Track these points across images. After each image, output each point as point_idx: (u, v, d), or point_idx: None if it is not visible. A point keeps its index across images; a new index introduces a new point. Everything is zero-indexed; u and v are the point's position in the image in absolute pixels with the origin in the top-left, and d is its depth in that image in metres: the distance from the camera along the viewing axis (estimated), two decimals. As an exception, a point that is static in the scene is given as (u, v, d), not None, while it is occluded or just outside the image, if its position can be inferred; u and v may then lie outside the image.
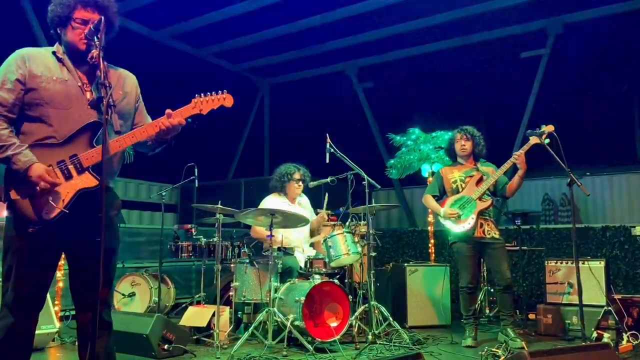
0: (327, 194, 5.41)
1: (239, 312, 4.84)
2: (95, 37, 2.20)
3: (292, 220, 4.63)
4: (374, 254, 4.82)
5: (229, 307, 4.72)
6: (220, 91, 2.46)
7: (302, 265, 4.91)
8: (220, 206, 4.50)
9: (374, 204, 4.91)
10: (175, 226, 5.98)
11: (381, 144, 10.70)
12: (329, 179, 5.22)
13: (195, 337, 4.57)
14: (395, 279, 5.69)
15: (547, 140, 4.16)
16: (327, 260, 4.69)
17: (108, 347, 2.40)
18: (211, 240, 5.18)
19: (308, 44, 10.28)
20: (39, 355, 4.10)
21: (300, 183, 5.25)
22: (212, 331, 4.42)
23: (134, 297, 5.42)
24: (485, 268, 5.80)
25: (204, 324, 4.54)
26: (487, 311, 5.84)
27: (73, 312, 4.94)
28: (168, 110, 2.38)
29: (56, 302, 4.73)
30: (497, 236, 4.56)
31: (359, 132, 11.25)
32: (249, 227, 5.44)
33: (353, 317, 4.53)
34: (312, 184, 5.37)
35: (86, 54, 2.30)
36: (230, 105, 2.49)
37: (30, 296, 2.28)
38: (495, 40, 9.63)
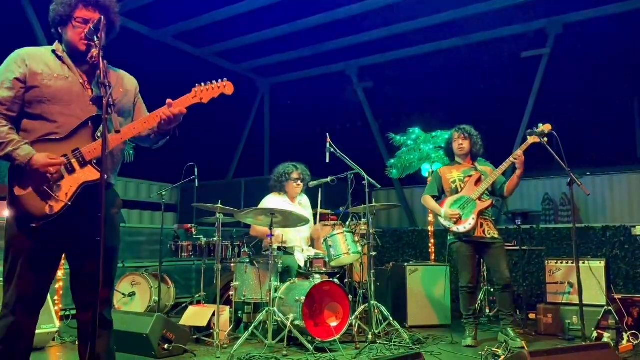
0: (320, 200, 5.41)
1: (239, 312, 4.84)
2: (95, 37, 2.20)
3: (292, 220, 4.63)
4: (374, 253, 4.82)
5: (229, 306, 4.71)
6: (220, 79, 2.45)
7: (302, 264, 4.91)
8: (221, 206, 4.50)
9: (374, 204, 4.91)
10: (176, 226, 5.98)
11: (381, 144, 10.70)
12: (329, 179, 5.22)
13: (195, 336, 4.57)
14: (396, 279, 5.69)
15: (545, 139, 4.17)
16: (327, 259, 4.69)
17: (109, 346, 2.40)
18: (211, 239, 5.18)
19: (308, 44, 10.29)
20: (39, 355, 4.10)
21: (299, 182, 5.23)
22: (212, 331, 4.42)
23: (134, 297, 5.42)
24: (485, 268, 5.80)
25: (204, 323, 4.54)
26: (487, 311, 5.84)
27: (73, 312, 4.96)
28: (169, 100, 2.39)
29: (56, 302, 4.74)
30: (496, 236, 4.56)
31: (359, 131, 11.25)
32: (249, 226, 5.44)
33: (353, 317, 4.52)
34: (312, 183, 5.36)
35: (86, 54, 2.31)
36: (231, 92, 2.47)
37: (32, 295, 2.28)
38: (496, 40, 9.64)
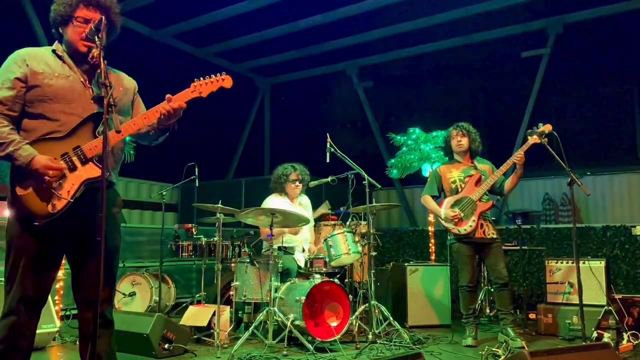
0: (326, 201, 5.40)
1: (240, 312, 4.85)
2: (96, 37, 2.21)
3: (292, 220, 4.63)
4: (374, 253, 4.82)
5: (229, 306, 4.72)
6: (219, 73, 2.46)
7: (303, 264, 4.91)
8: (221, 206, 4.51)
9: (374, 204, 4.91)
10: (176, 226, 5.98)
11: (382, 144, 10.70)
12: (329, 179, 5.22)
13: (195, 336, 4.58)
14: (396, 279, 5.69)
15: (546, 140, 4.17)
16: (327, 259, 4.69)
17: (110, 346, 2.40)
18: (212, 239, 5.18)
19: (309, 44, 10.29)
20: (40, 355, 4.10)
21: (298, 183, 5.22)
22: (212, 331, 4.42)
23: (134, 297, 5.42)
24: (484, 267, 5.79)
25: (204, 323, 4.55)
26: (488, 311, 5.84)
27: (74, 312, 4.97)
28: (168, 95, 2.39)
29: (57, 302, 4.74)
30: (495, 236, 4.57)
31: (360, 131, 11.25)
32: (249, 226, 5.45)
33: (353, 317, 4.53)
34: (312, 183, 5.36)
35: (86, 55, 2.32)
36: (230, 86, 2.48)
37: (33, 295, 2.28)
38: (496, 40, 9.64)
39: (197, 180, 5.40)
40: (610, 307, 4.50)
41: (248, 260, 4.64)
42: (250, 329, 4.25)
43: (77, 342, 2.52)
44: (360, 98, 11.33)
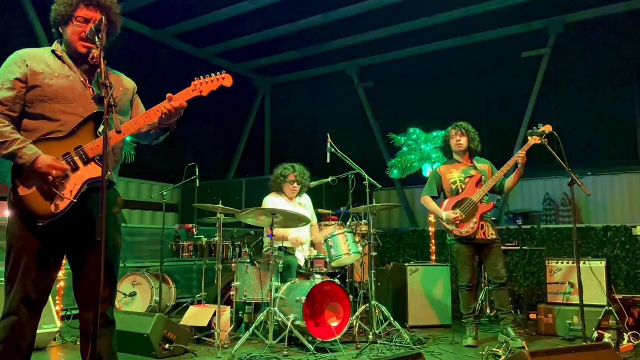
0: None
1: (240, 312, 4.85)
2: (96, 38, 2.21)
3: (292, 220, 4.63)
4: (374, 253, 4.82)
5: (229, 306, 4.72)
6: (219, 72, 2.47)
7: (303, 264, 4.91)
8: (221, 206, 4.51)
9: (374, 204, 4.91)
10: (176, 226, 5.99)
11: (382, 144, 10.71)
12: (329, 179, 5.22)
13: (196, 336, 4.57)
14: (396, 279, 5.69)
15: (546, 140, 4.17)
16: (327, 259, 4.69)
17: (111, 345, 2.40)
18: (212, 239, 5.19)
19: (309, 44, 10.30)
20: (40, 355, 4.10)
21: (295, 184, 5.20)
22: (212, 331, 4.42)
23: (134, 297, 5.42)
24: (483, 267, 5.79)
25: (204, 323, 4.55)
26: (488, 311, 5.83)
27: (74, 312, 4.97)
28: (169, 94, 2.40)
29: (57, 302, 4.74)
30: (495, 236, 4.57)
31: (360, 131, 11.25)
32: (250, 226, 5.44)
33: (354, 317, 4.53)
34: (312, 183, 5.36)
35: (85, 55, 2.33)
36: (230, 84, 2.49)
37: (34, 294, 2.28)
38: (496, 39, 9.64)
39: (197, 180, 5.40)
40: (610, 307, 4.49)
41: (248, 261, 4.64)
42: (251, 329, 4.25)
43: (78, 342, 2.52)
44: (361, 98, 11.33)
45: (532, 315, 5.35)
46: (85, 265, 2.35)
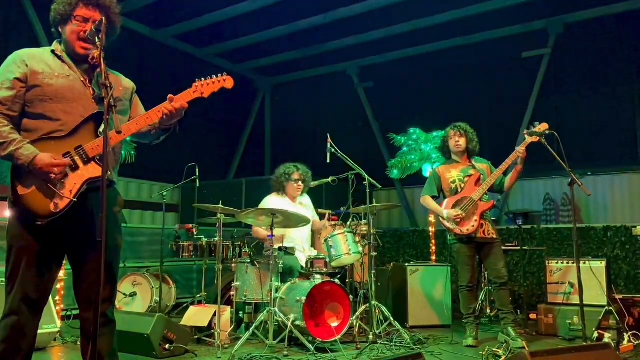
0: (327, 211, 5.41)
1: (240, 312, 4.85)
2: (96, 38, 2.21)
3: (293, 220, 4.63)
4: (374, 253, 4.82)
5: (230, 306, 4.72)
6: (220, 73, 2.48)
7: (303, 264, 4.91)
8: (222, 206, 4.51)
9: (374, 204, 4.91)
10: (177, 226, 5.99)
11: (382, 144, 10.71)
12: (330, 179, 5.22)
13: (196, 336, 4.58)
14: (396, 279, 5.70)
15: (544, 139, 4.17)
16: (328, 260, 4.70)
17: (111, 345, 2.40)
18: (212, 240, 5.19)
19: (309, 44, 10.29)
20: (41, 355, 4.10)
21: (300, 183, 5.22)
22: (213, 331, 4.42)
23: (135, 297, 5.42)
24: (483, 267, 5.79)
25: (205, 323, 4.55)
26: (488, 311, 5.83)
27: (75, 312, 4.97)
28: (170, 95, 2.41)
29: (57, 302, 4.74)
30: (495, 236, 4.58)
31: (360, 132, 11.25)
32: (250, 227, 5.44)
33: (354, 317, 4.53)
34: (313, 183, 5.36)
35: (84, 55, 2.33)
36: (231, 86, 2.50)
37: (35, 294, 2.28)
38: (497, 40, 9.64)
39: (197, 181, 5.40)
40: (610, 308, 4.49)
41: (249, 261, 4.64)
42: (251, 329, 4.25)
43: (78, 342, 2.52)
44: (361, 98, 11.33)
45: (533, 316, 5.35)
46: (86, 265, 2.36)
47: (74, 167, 2.28)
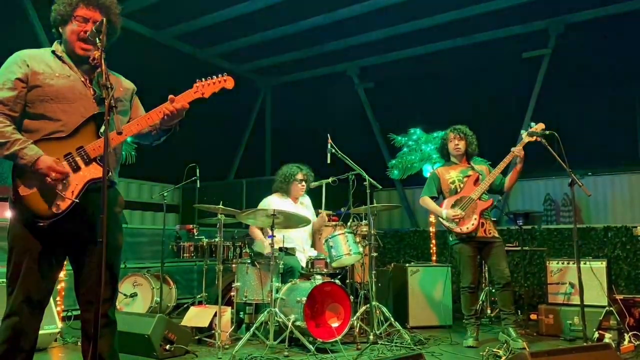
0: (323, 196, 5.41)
1: (241, 313, 4.85)
2: (97, 39, 2.21)
3: (293, 221, 4.63)
4: (375, 254, 4.82)
5: (230, 307, 4.72)
6: (220, 74, 2.48)
7: (303, 265, 4.92)
8: (222, 207, 4.51)
9: (375, 204, 4.91)
10: (177, 226, 5.99)
11: (382, 144, 10.71)
12: (330, 180, 5.22)
13: (196, 337, 4.58)
14: (397, 280, 5.69)
15: (542, 138, 4.17)
16: (328, 260, 4.70)
17: (112, 346, 2.40)
18: (213, 240, 5.19)
19: (309, 45, 10.30)
20: (41, 356, 4.10)
21: (304, 183, 5.26)
22: (213, 331, 4.42)
23: (135, 298, 5.42)
24: (485, 268, 5.79)
25: (205, 324, 4.55)
26: (489, 311, 5.83)
27: (75, 312, 4.97)
28: (171, 96, 2.41)
29: (58, 302, 4.74)
30: (496, 235, 4.58)
31: (360, 132, 11.26)
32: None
33: (354, 318, 4.53)
34: (313, 184, 5.37)
35: (85, 57, 2.33)
36: (232, 87, 2.50)
37: (36, 295, 2.28)
38: (497, 40, 9.64)
39: (198, 181, 5.40)
40: (611, 308, 4.49)
41: (249, 261, 4.64)
42: (252, 329, 4.25)
43: (79, 343, 2.52)
44: (361, 99, 11.34)
45: (533, 316, 5.34)
46: (87, 266, 2.36)
47: (76, 168, 2.29)
